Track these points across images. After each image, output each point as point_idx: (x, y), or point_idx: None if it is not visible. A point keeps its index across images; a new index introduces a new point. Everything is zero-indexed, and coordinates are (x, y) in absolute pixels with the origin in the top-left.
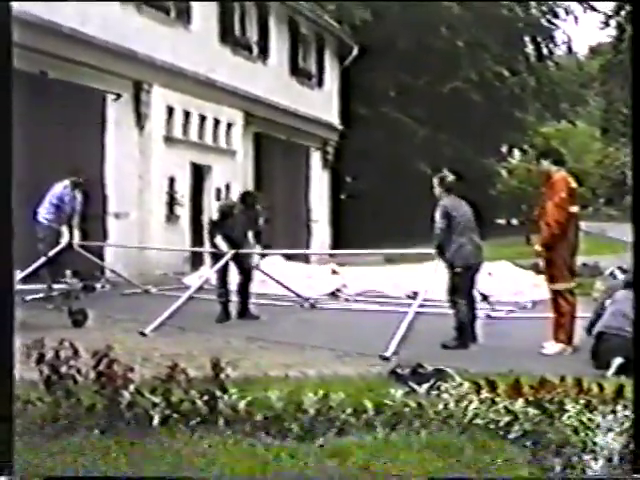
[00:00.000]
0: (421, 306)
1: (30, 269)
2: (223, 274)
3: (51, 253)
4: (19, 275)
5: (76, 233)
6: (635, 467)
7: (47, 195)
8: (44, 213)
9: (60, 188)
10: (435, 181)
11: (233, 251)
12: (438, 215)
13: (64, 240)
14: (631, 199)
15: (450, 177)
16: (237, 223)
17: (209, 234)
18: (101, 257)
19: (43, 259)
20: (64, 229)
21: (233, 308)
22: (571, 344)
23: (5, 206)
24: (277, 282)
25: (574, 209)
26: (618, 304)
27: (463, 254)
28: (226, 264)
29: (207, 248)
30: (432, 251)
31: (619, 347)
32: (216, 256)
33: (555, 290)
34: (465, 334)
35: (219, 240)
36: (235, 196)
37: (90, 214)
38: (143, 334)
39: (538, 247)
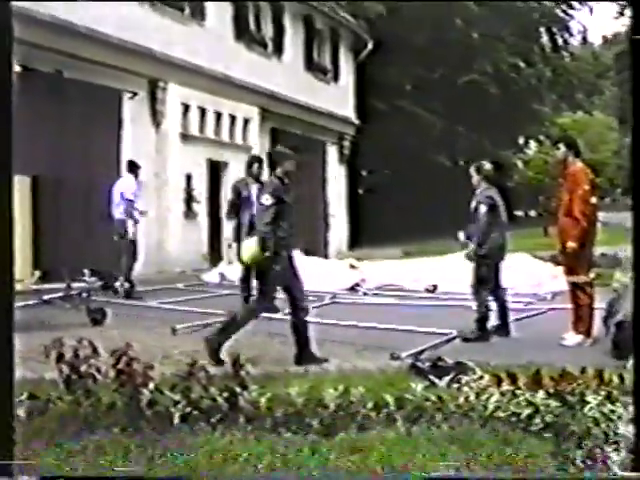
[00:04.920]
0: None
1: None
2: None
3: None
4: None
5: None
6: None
7: (117, 192)
8: (121, 210)
9: (133, 182)
10: (473, 170)
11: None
12: (484, 206)
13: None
14: (631, 196)
15: (488, 166)
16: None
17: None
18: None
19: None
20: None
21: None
22: (591, 335)
23: (5, 206)
24: None
25: (594, 200)
26: None
27: (495, 247)
28: None
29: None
30: (462, 241)
31: None
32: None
33: (573, 282)
34: (486, 327)
35: (229, 226)
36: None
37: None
38: (174, 331)
39: (573, 244)
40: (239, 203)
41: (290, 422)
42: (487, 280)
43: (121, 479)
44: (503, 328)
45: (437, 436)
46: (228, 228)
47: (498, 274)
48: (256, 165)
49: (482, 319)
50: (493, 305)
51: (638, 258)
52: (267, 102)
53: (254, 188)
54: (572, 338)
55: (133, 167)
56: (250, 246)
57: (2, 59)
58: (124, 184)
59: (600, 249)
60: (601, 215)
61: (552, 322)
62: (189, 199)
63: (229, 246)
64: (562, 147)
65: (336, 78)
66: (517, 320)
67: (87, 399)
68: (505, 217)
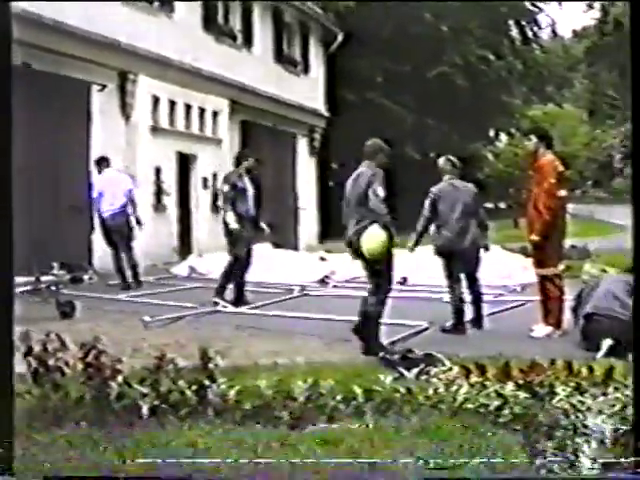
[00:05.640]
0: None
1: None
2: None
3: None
4: None
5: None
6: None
7: (116, 191)
8: (118, 206)
9: (121, 175)
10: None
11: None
12: (426, 201)
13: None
14: (631, 195)
15: (441, 162)
16: (248, 197)
17: (223, 209)
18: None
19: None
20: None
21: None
22: (560, 327)
23: (5, 203)
24: None
25: (562, 193)
26: (608, 285)
27: (439, 241)
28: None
29: None
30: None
31: (609, 328)
32: (230, 235)
33: (542, 275)
34: (462, 319)
35: (230, 217)
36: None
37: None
38: (145, 324)
39: (535, 237)
40: (234, 195)
41: (259, 415)
42: (448, 274)
43: (120, 479)
44: (476, 321)
45: (406, 428)
46: (198, 220)
47: (470, 268)
48: (251, 159)
49: (457, 312)
50: (468, 297)
51: (638, 255)
52: (237, 94)
53: (246, 180)
54: (541, 330)
55: (106, 161)
56: (377, 239)
57: (2, 59)
58: (117, 181)
59: (570, 241)
60: (571, 207)
61: (527, 314)
62: (159, 192)
63: (232, 235)
64: (533, 138)
65: (306, 70)
66: (496, 313)
67: (55, 393)
68: (459, 212)
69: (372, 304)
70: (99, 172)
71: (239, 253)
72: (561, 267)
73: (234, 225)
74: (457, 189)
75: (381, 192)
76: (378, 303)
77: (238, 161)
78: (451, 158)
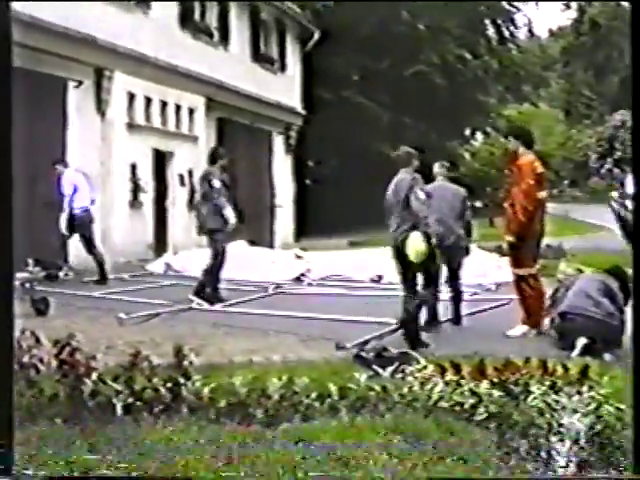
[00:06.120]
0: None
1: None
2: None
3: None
4: None
5: None
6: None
7: (82, 186)
8: (90, 204)
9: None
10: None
11: None
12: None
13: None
14: (634, 200)
15: (436, 166)
16: (224, 194)
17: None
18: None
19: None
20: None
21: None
22: (536, 326)
23: (5, 202)
24: None
25: (542, 194)
26: (582, 284)
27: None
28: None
29: None
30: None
31: (583, 327)
32: (219, 232)
33: (519, 274)
34: (437, 317)
35: (230, 212)
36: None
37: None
38: (120, 321)
39: (510, 238)
40: (226, 192)
41: (234, 412)
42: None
43: (121, 479)
44: (455, 317)
45: (381, 426)
46: (174, 216)
47: (453, 265)
48: (225, 157)
49: (431, 309)
50: (444, 296)
51: (638, 258)
52: (214, 92)
53: (226, 177)
54: (517, 329)
55: (64, 162)
56: (418, 245)
57: (2, 59)
58: (84, 180)
59: (545, 240)
60: (548, 206)
61: (503, 313)
62: (135, 189)
63: (222, 231)
64: (512, 139)
65: (283, 68)
66: (479, 312)
67: (29, 390)
68: (443, 211)
69: (425, 296)
70: (59, 173)
71: (222, 249)
72: (537, 266)
73: (234, 220)
74: (445, 189)
75: (422, 195)
76: (430, 295)
77: (213, 158)
78: (445, 163)
